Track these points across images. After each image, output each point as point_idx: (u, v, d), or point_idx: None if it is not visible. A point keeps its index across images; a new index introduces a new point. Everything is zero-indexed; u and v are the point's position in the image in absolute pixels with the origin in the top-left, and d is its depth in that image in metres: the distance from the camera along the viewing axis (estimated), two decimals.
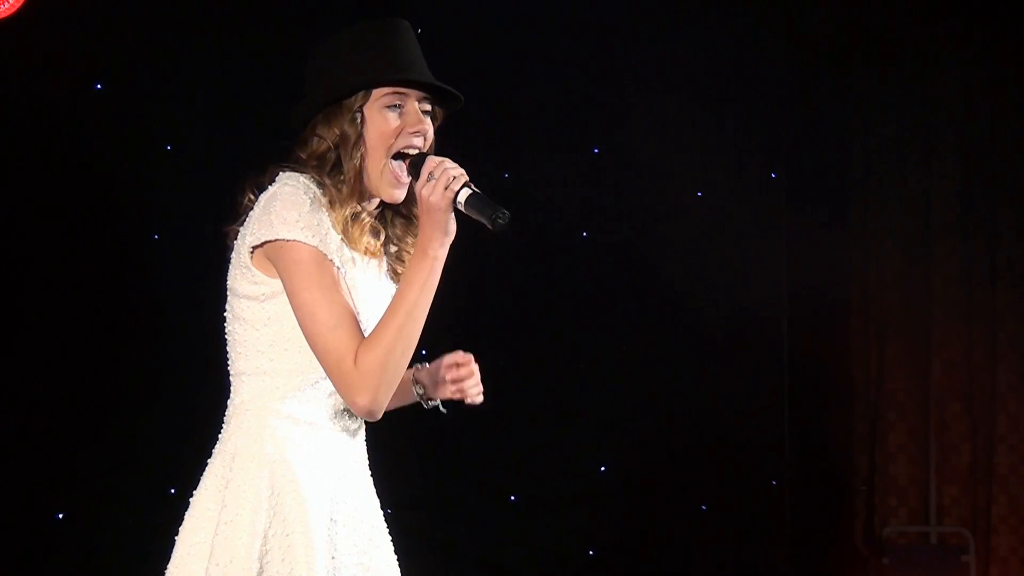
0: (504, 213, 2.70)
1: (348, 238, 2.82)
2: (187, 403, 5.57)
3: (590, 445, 6.45)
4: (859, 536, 6.99)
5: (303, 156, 2.86)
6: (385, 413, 2.84)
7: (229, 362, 2.88)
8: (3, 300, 5.93)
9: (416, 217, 2.86)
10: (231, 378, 2.88)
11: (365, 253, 2.86)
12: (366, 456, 2.97)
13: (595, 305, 6.52)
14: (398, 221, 2.95)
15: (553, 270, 6.45)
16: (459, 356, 3.03)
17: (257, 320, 2.82)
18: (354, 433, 2.91)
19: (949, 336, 6.97)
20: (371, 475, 2.97)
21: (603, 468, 6.50)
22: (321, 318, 2.73)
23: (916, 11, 6.94)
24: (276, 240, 2.75)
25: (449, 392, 3.02)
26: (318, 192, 2.81)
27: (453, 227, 2.75)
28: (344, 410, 2.86)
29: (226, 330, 2.88)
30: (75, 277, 5.93)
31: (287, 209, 2.76)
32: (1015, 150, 6.92)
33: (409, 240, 2.93)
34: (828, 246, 6.95)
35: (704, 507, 6.65)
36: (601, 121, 6.50)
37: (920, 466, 6.98)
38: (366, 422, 2.91)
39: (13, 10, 5.95)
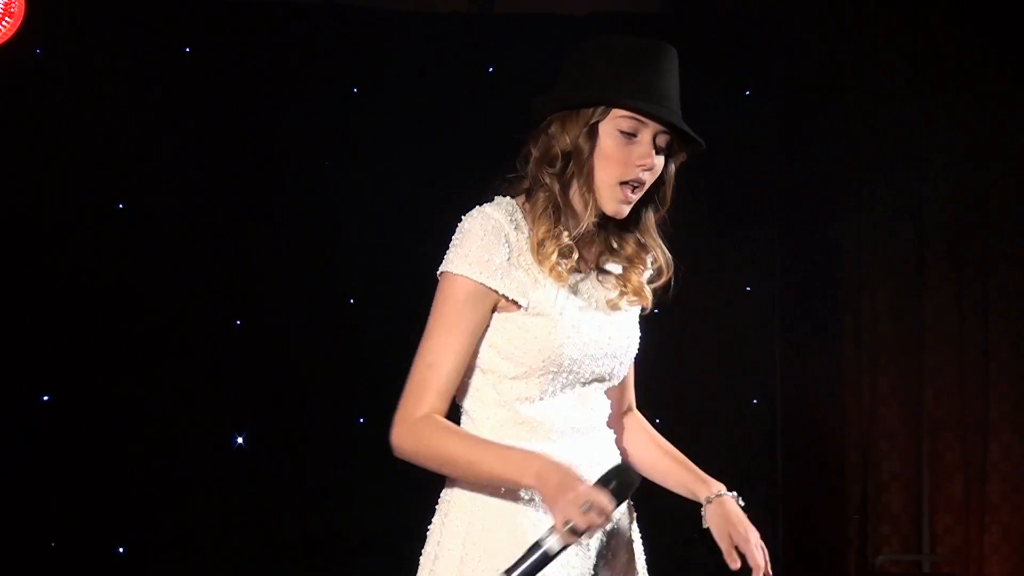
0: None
1: (537, 256, 2.68)
2: None
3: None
4: (852, 565, 6.97)
5: (531, 152, 2.75)
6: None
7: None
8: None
9: (647, 247, 2.84)
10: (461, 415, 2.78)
11: (551, 274, 2.68)
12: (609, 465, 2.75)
13: None
14: (631, 240, 2.84)
15: None
16: (740, 538, 2.81)
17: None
18: (579, 434, 2.77)
19: (941, 365, 6.97)
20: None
21: None
22: (425, 349, 2.63)
23: (908, 45, 7.00)
24: (443, 272, 2.67)
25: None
26: (504, 221, 2.68)
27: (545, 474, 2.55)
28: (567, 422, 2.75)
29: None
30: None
31: (463, 243, 2.66)
32: (1006, 180, 6.95)
33: (640, 266, 2.84)
34: (821, 274, 6.96)
35: (696, 535, 6.61)
36: None
37: (913, 495, 6.97)
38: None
39: (11, 34, 5.99)
